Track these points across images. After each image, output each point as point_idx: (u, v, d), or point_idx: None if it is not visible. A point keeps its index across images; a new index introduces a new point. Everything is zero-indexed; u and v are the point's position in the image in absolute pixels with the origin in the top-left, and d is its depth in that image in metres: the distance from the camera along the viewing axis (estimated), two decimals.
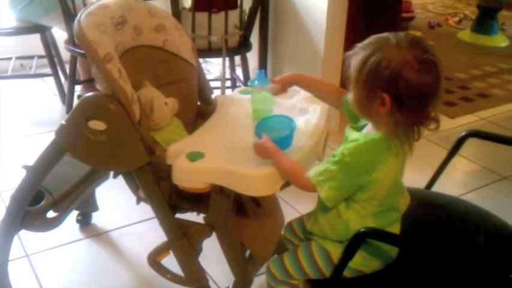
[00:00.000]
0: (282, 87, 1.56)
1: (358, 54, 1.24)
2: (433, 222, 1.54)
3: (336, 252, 1.38)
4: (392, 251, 1.38)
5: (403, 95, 1.18)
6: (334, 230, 1.38)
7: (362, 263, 1.36)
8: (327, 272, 1.40)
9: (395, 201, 1.37)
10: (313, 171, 1.32)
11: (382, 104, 1.21)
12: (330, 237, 1.39)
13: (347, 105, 1.41)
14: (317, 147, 1.56)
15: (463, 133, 1.66)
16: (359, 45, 1.26)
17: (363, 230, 1.21)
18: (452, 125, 3.28)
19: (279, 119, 1.50)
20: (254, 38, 3.21)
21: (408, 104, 1.19)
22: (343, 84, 1.40)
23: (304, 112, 1.64)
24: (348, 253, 1.25)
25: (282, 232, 1.70)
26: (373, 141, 1.26)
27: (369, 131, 1.33)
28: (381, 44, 1.21)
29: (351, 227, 1.32)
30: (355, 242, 1.23)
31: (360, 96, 1.25)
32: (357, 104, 1.28)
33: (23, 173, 1.68)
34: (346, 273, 1.34)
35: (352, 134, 1.35)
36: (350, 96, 1.31)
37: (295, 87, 1.61)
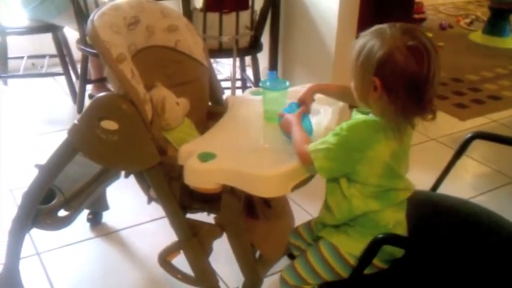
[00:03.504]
0: (309, 100, 1.58)
1: (356, 43, 1.29)
2: (441, 224, 1.53)
3: (343, 245, 1.37)
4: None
5: (390, 79, 1.21)
6: (340, 210, 1.37)
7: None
8: (341, 271, 1.39)
9: (394, 183, 1.36)
10: (313, 143, 1.34)
11: (375, 89, 1.24)
12: (337, 218, 1.39)
13: None
14: None
15: (469, 135, 1.65)
16: (361, 34, 1.30)
17: (380, 236, 1.21)
18: (463, 127, 3.25)
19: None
20: (265, 39, 3.21)
21: (396, 89, 1.22)
22: None
23: (316, 113, 1.64)
24: (365, 260, 1.25)
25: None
26: (372, 122, 1.29)
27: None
28: (377, 33, 1.26)
29: (354, 204, 1.33)
30: (373, 249, 1.22)
31: (357, 81, 1.29)
32: (355, 91, 1.32)
33: (34, 172, 1.69)
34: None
35: (356, 115, 1.37)
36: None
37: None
